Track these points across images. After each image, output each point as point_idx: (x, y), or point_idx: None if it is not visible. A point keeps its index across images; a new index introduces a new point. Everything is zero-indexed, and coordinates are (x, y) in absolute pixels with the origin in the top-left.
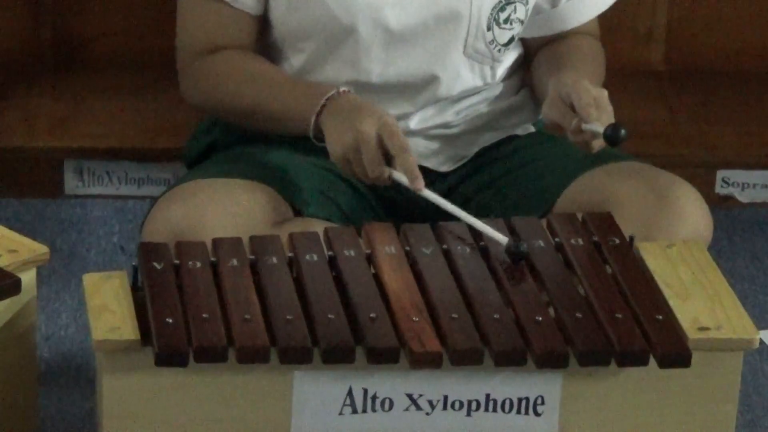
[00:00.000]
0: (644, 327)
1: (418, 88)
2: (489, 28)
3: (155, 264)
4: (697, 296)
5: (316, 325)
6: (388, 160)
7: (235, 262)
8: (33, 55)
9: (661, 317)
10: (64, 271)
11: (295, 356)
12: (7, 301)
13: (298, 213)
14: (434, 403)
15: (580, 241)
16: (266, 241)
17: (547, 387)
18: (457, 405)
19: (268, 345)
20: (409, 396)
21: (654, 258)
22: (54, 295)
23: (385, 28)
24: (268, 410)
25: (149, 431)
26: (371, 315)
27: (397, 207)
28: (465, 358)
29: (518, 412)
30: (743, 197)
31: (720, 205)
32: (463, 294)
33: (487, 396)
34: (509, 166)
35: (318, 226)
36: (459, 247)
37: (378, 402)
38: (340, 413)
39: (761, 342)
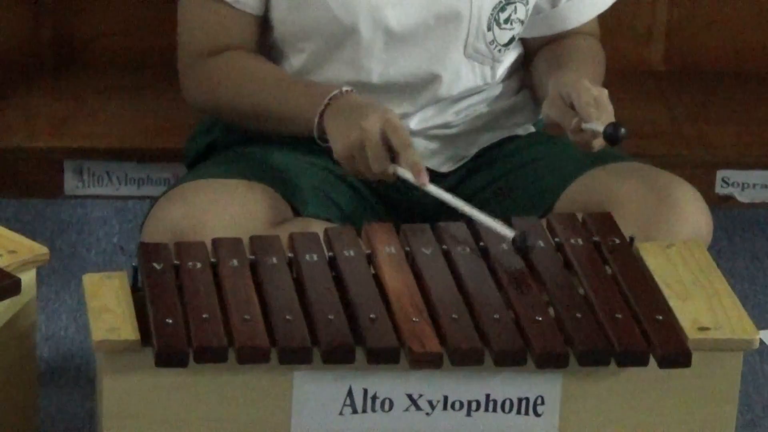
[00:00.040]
0: (644, 327)
1: (418, 88)
2: (489, 29)
3: (155, 264)
4: (697, 296)
5: (316, 325)
6: (392, 156)
7: (235, 262)
8: (33, 55)
9: (661, 317)
10: (63, 272)
11: (295, 356)
12: (7, 302)
13: (297, 213)
14: (434, 403)
15: (580, 241)
16: (266, 241)
17: (547, 387)
18: (457, 405)
19: (268, 345)
20: (409, 396)
21: (654, 258)
22: (54, 295)
23: (386, 29)
24: (268, 410)
25: (149, 431)
26: (371, 315)
27: (397, 207)
28: (465, 359)
29: (518, 412)
30: (743, 197)
31: (720, 205)
32: (463, 294)
33: (487, 396)
34: (509, 166)
35: (318, 227)
36: (459, 248)
37: (378, 402)
38: (340, 413)
39: (761, 342)
